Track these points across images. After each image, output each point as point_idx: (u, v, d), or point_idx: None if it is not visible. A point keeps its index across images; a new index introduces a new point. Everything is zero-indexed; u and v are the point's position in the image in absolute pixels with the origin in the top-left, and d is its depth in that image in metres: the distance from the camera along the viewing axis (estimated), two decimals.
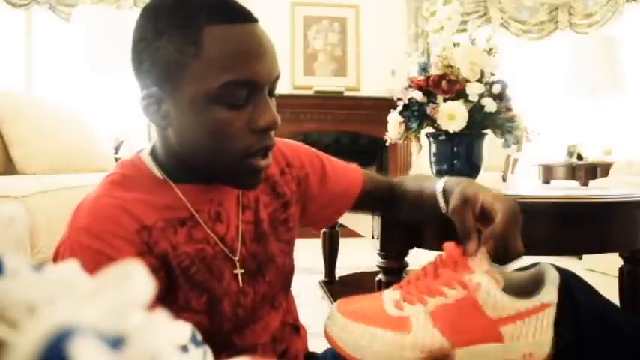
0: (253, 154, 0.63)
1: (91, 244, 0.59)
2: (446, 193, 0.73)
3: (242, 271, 0.70)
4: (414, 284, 0.62)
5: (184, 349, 0.34)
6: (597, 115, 4.04)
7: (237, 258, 0.70)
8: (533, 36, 4.40)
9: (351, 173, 0.89)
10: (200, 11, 0.59)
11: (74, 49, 3.27)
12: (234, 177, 0.65)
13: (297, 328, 0.81)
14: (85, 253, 0.58)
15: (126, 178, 0.67)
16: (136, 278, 0.20)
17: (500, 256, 0.61)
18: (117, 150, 3.24)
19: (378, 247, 1.21)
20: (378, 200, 0.91)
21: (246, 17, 0.62)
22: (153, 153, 0.69)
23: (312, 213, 0.86)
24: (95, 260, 0.57)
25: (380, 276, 1.23)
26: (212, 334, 0.65)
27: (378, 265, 1.22)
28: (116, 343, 0.18)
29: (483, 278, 0.58)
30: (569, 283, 0.68)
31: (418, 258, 1.14)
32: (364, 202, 0.89)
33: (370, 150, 4.36)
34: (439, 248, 1.03)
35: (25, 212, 1.25)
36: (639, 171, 2.95)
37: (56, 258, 0.61)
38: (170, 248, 0.63)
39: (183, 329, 0.35)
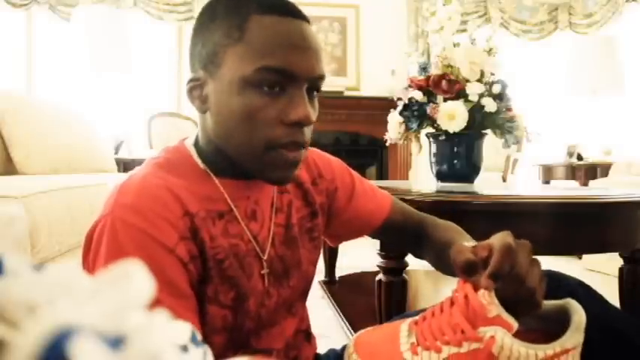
0: (280, 146, 0.63)
1: (135, 223, 0.57)
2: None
3: (268, 271, 0.70)
4: (429, 323, 0.62)
5: (184, 349, 0.34)
6: (597, 115, 4.04)
7: (265, 258, 0.70)
8: (533, 36, 4.40)
9: (380, 198, 0.88)
10: (252, 1, 0.62)
11: (74, 49, 3.27)
12: (261, 168, 0.64)
13: (308, 336, 0.81)
14: (127, 230, 0.57)
15: (171, 163, 0.67)
16: (136, 278, 0.20)
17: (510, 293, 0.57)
18: (117, 150, 3.24)
19: (378, 247, 1.21)
20: (403, 234, 0.89)
21: (296, 14, 0.63)
22: (196, 143, 0.70)
23: (334, 227, 0.86)
24: (136, 239, 0.57)
25: (380, 276, 1.24)
26: (233, 332, 0.66)
27: (378, 265, 1.23)
28: (116, 343, 0.18)
29: (498, 331, 0.56)
30: (577, 294, 0.67)
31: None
32: (387, 231, 0.88)
33: (370, 150, 4.36)
34: None
35: (25, 212, 1.24)
36: (639, 171, 2.95)
37: (92, 234, 0.60)
38: (208, 239, 0.63)
39: (183, 329, 0.34)
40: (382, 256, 1.21)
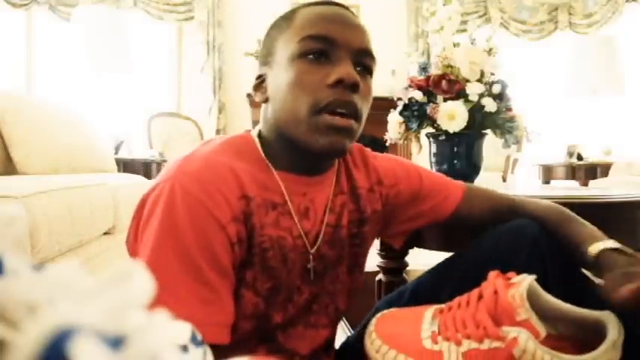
0: (325, 108, 0.64)
1: (194, 192, 0.59)
2: (601, 264, 0.66)
3: (313, 265, 0.71)
4: (454, 313, 0.61)
5: (184, 349, 0.34)
6: (597, 115, 4.04)
7: (312, 254, 0.71)
8: (533, 36, 4.40)
9: (450, 191, 0.85)
10: (300, 5, 0.71)
11: (74, 49, 3.26)
12: (309, 135, 0.65)
13: (330, 346, 0.81)
14: (185, 197, 0.58)
15: (236, 147, 0.69)
16: (136, 278, 0.20)
17: None
18: (117, 150, 3.24)
19: (378, 247, 1.21)
20: (480, 224, 0.84)
21: (339, 4, 0.70)
22: (260, 135, 0.72)
23: (396, 226, 0.86)
24: (192, 207, 0.58)
25: (380, 276, 1.24)
26: (261, 321, 0.67)
27: (378, 265, 1.22)
28: (116, 343, 0.18)
29: (522, 333, 0.54)
30: (538, 240, 0.71)
31: (418, 258, 1.14)
32: (458, 223, 0.86)
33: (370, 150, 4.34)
34: (439, 248, 1.03)
35: (25, 212, 1.24)
36: (639, 171, 2.95)
37: (148, 196, 0.61)
38: (259, 225, 0.64)
39: (183, 329, 0.34)
40: (382, 256, 1.21)
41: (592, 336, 0.58)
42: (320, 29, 0.66)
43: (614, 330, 0.56)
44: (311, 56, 0.65)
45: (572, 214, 0.80)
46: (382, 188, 0.81)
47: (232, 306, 0.62)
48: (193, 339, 0.36)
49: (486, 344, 0.56)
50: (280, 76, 0.67)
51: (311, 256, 0.71)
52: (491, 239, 0.76)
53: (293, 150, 0.68)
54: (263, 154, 0.70)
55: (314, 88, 0.64)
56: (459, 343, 0.58)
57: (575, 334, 0.61)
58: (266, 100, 0.70)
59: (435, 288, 0.78)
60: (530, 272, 0.65)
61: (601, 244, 0.69)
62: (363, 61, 0.68)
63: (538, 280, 0.61)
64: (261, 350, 0.68)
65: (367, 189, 0.80)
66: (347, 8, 0.71)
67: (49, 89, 3.84)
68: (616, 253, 0.67)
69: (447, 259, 0.82)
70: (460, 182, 0.89)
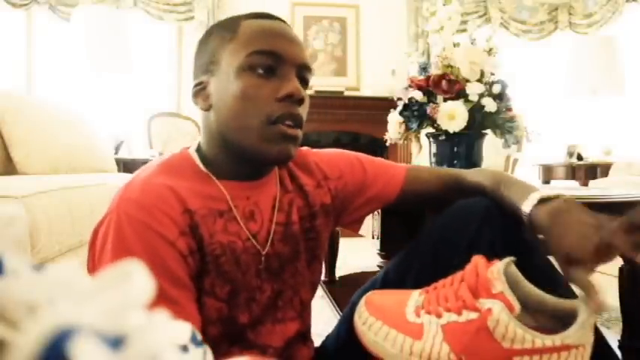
0: (276, 121, 0.68)
1: (139, 216, 0.62)
2: (532, 221, 0.71)
3: (264, 266, 0.73)
4: (438, 291, 0.64)
5: (184, 349, 0.34)
6: (597, 116, 4.04)
7: (263, 255, 0.73)
8: (533, 36, 4.40)
9: (392, 175, 0.90)
10: (240, 15, 0.74)
11: (74, 49, 3.26)
12: (262, 144, 0.69)
13: (305, 339, 0.83)
14: (131, 222, 0.61)
15: (174, 166, 0.72)
16: (136, 278, 0.20)
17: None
18: (117, 150, 3.24)
19: (378, 247, 1.21)
20: (429, 199, 0.91)
21: (278, 19, 0.74)
22: (199, 150, 0.75)
23: (350, 214, 0.89)
24: (140, 231, 0.61)
25: None
26: (227, 324, 0.70)
27: (378, 265, 1.23)
28: (116, 343, 0.18)
29: (496, 305, 0.57)
30: (490, 211, 0.76)
31: None
32: (408, 202, 0.91)
33: (370, 150, 4.34)
34: None
35: (25, 212, 1.24)
36: (639, 171, 2.95)
37: (98, 229, 0.64)
38: (207, 235, 0.67)
39: (183, 329, 0.35)
40: (382, 256, 1.21)
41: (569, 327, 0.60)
42: (268, 45, 0.69)
43: (584, 312, 0.59)
44: (259, 70, 0.68)
45: (507, 175, 0.85)
46: (329, 182, 0.85)
47: (197, 313, 0.65)
48: (193, 339, 0.36)
49: (464, 316, 0.59)
50: (226, 87, 0.69)
51: (262, 257, 0.73)
52: (445, 217, 0.80)
53: (236, 157, 0.71)
54: (203, 167, 0.73)
55: (264, 101, 0.68)
56: (439, 316, 0.61)
57: (554, 327, 0.62)
58: (208, 108, 0.72)
59: (402, 272, 0.83)
60: (480, 242, 0.70)
61: (529, 202, 0.73)
62: (304, 74, 0.73)
63: (490, 251, 0.65)
64: (233, 351, 0.70)
65: (314, 185, 0.83)
66: (284, 21, 0.75)
67: (49, 89, 3.84)
68: (543, 209, 0.71)
69: (411, 243, 0.86)
70: (403, 164, 0.93)
